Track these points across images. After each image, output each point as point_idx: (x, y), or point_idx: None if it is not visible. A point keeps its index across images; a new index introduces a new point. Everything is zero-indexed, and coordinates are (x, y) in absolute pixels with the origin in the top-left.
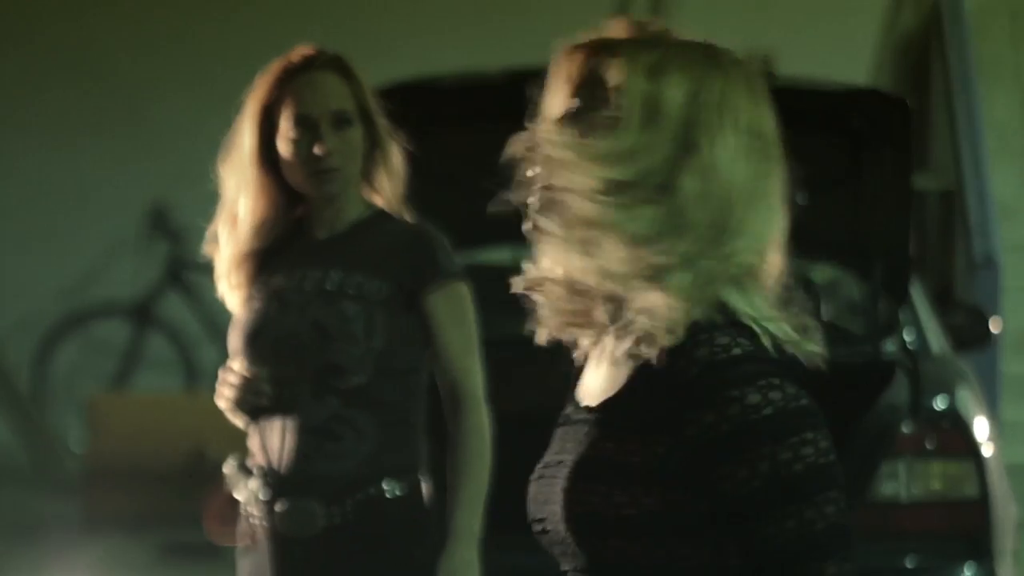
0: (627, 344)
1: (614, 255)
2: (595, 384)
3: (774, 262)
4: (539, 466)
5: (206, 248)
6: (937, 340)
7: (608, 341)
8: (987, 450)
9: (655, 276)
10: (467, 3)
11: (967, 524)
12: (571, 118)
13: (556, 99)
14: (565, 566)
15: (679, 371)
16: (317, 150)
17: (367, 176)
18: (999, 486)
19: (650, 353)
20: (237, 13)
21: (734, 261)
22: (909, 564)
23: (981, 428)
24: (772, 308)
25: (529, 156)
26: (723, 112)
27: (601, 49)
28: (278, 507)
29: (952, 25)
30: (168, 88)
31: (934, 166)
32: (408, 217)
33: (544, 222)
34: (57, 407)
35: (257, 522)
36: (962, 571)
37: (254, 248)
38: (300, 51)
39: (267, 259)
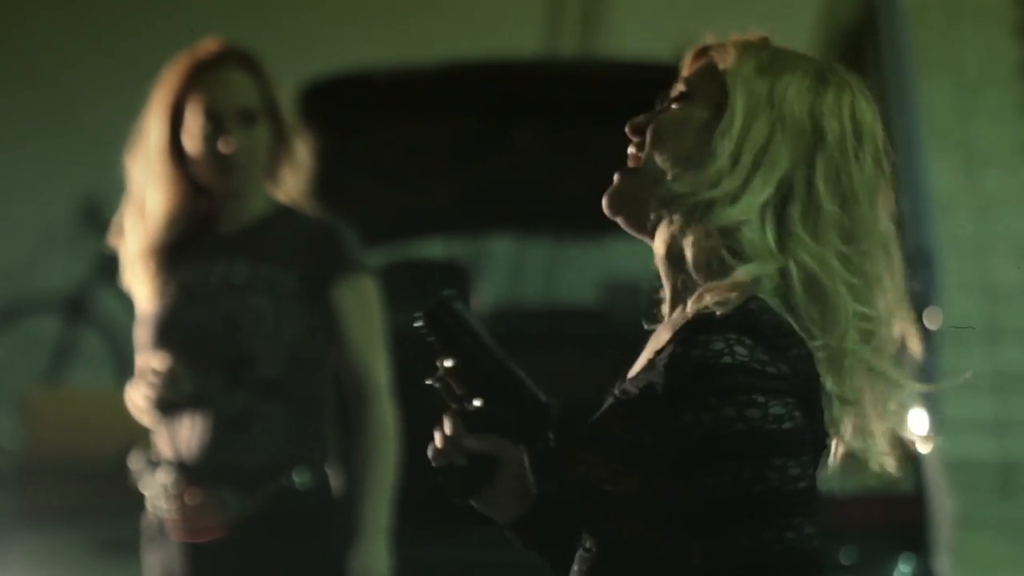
0: (673, 322)
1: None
2: (638, 363)
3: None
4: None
5: (112, 239)
6: None
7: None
8: (924, 444)
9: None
10: None
11: (903, 519)
12: (678, 99)
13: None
14: None
15: (675, 366)
16: (222, 146)
17: (273, 171)
18: (936, 481)
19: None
20: (171, 13)
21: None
22: (845, 560)
23: (918, 422)
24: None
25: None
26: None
27: (713, 47)
28: (188, 499)
29: (888, 17)
30: (101, 84)
31: None
32: (313, 211)
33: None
34: None
35: (166, 515)
36: (898, 565)
37: (161, 241)
38: (207, 46)
39: (173, 252)
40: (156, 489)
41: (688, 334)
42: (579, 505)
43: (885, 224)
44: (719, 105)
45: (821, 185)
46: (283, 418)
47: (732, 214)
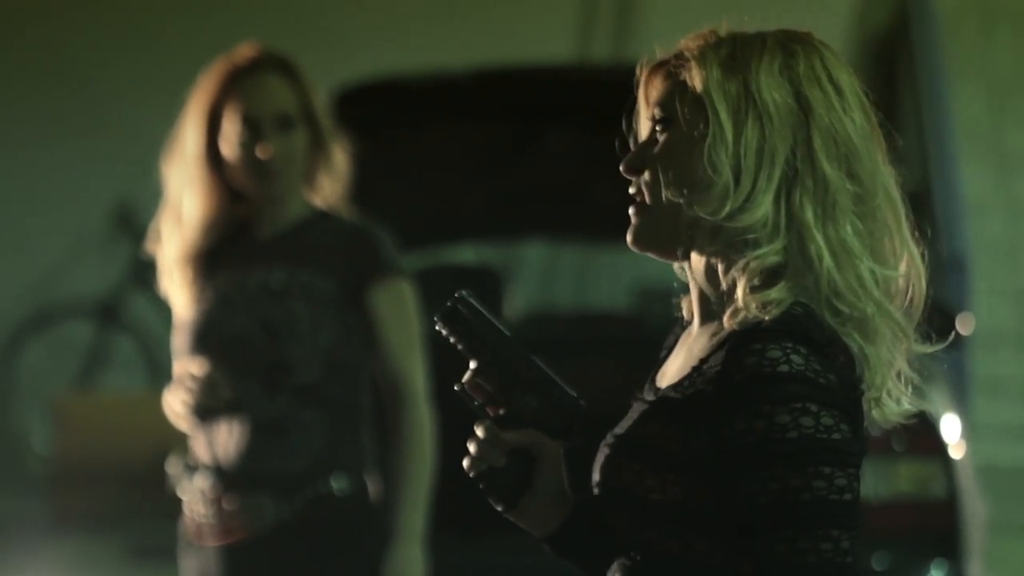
0: (712, 329)
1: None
2: (671, 369)
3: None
4: (608, 434)
5: (149, 245)
6: None
7: (694, 329)
8: (956, 450)
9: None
10: (433, 2)
11: (936, 524)
12: (661, 126)
13: (642, 121)
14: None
15: (728, 373)
16: (260, 153)
17: (310, 177)
18: (968, 486)
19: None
20: (206, 15)
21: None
22: (877, 565)
23: (950, 428)
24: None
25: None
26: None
27: (669, 61)
28: (226, 504)
29: (921, 23)
30: (135, 89)
31: (903, 165)
32: (350, 216)
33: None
34: (22, 407)
35: (204, 520)
36: (930, 571)
37: (199, 247)
38: (244, 51)
39: (211, 258)
40: (194, 494)
41: (741, 342)
42: (619, 514)
43: (884, 169)
44: (703, 120)
45: (823, 157)
46: (321, 424)
47: (748, 218)
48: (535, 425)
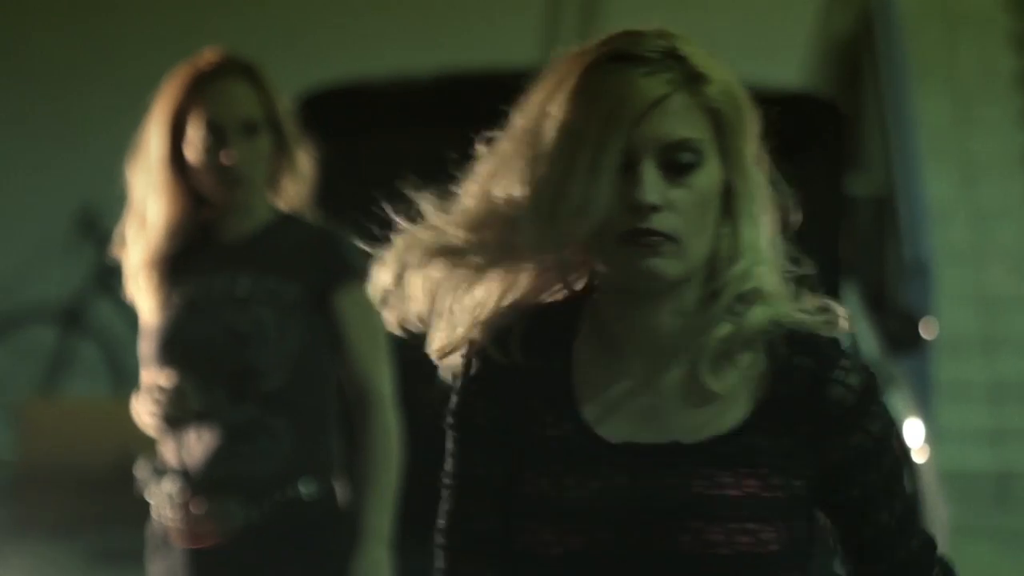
0: (720, 371)
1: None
2: (660, 416)
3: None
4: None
5: (114, 250)
6: (869, 344)
7: (671, 371)
8: (919, 454)
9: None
10: (398, 5)
11: None
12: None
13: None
14: None
15: (835, 402)
16: (225, 158)
17: (274, 182)
18: (932, 490)
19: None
20: (169, 19)
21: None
22: (839, 569)
23: (912, 432)
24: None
25: None
26: None
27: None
28: (194, 508)
29: (885, 27)
30: (98, 93)
31: (867, 169)
32: (315, 221)
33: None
34: None
35: (172, 524)
36: None
37: (163, 252)
38: (208, 56)
39: (175, 264)
40: (162, 498)
41: (861, 417)
42: None
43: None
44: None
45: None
46: (288, 429)
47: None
48: None
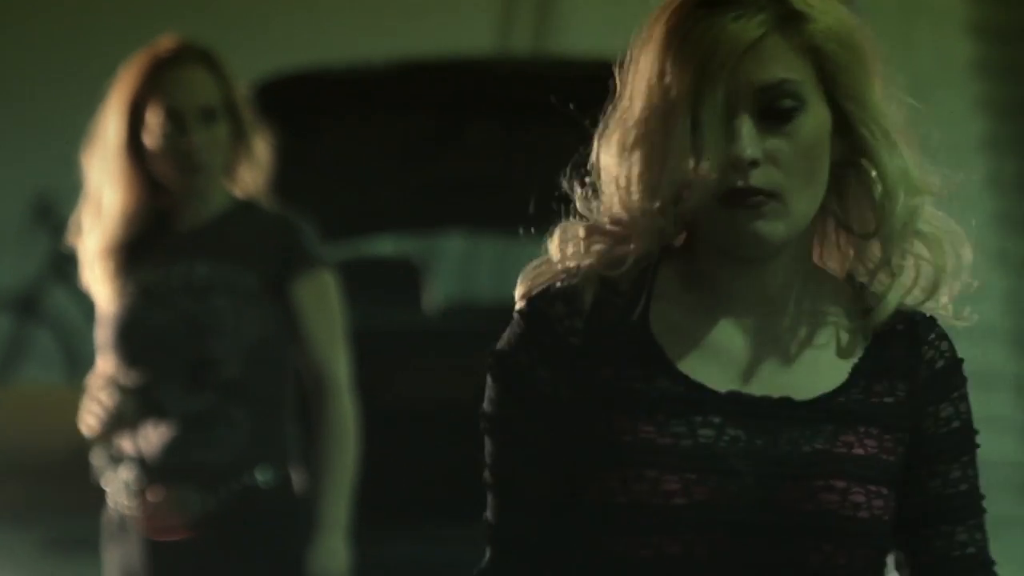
0: (841, 328)
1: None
2: (766, 371)
3: None
4: (741, 451)
5: (70, 238)
6: None
7: (776, 327)
8: None
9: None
10: None
11: None
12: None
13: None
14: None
15: (926, 362)
16: (184, 145)
17: (232, 169)
18: None
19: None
20: (125, 6)
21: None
22: None
23: None
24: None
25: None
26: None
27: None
28: (151, 496)
29: None
30: (54, 80)
31: None
32: (272, 208)
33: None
34: None
35: (128, 512)
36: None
37: (120, 240)
38: (166, 43)
39: (132, 251)
40: (118, 486)
41: (952, 388)
42: (814, 541)
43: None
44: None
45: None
46: (246, 417)
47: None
48: None
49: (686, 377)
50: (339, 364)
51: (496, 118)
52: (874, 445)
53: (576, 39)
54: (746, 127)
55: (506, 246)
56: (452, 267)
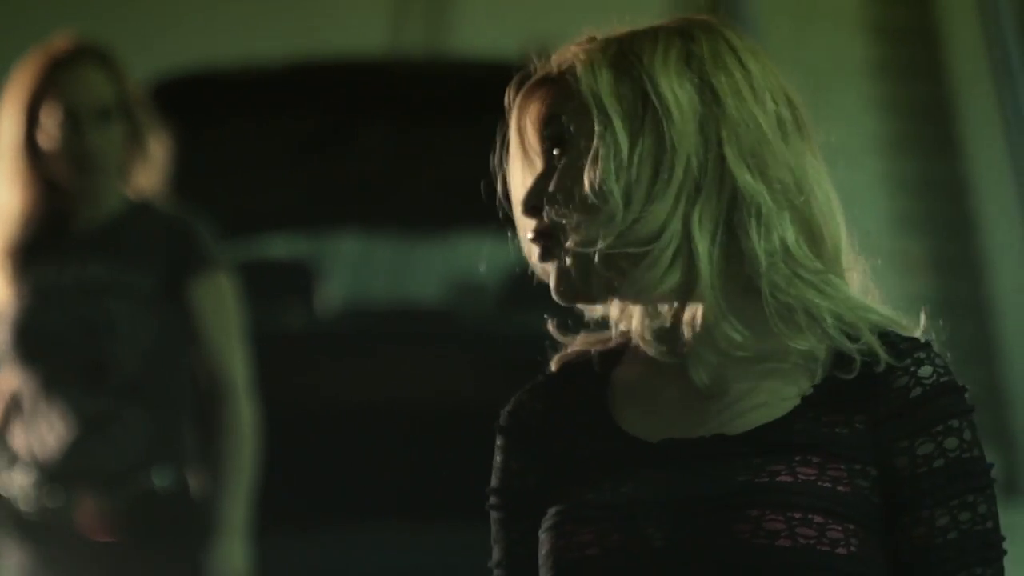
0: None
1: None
2: (702, 411)
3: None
4: (665, 502)
5: None
6: None
7: (723, 363)
8: None
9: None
10: None
11: None
12: (557, 153)
13: (518, 154)
14: None
15: (896, 390)
16: (80, 145)
17: (127, 169)
18: None
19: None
20: (19, 3)
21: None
22: None
23: None
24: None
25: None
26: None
27: (552, 74)
28: (48, 500)
29: (734, 15)
30: None
31: None
32: (167, 208)
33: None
34: None
35: (24, 515)
36: None
37: (15, 241)
38: (61, 43)
39: (28, 253)
40: (14, 489)
41: (932, 420)
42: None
43: (813, 163)
44: (595, 134)
45: (735, 158)
46: (142, 420)
47: (641, 232)
48: None
49: (624, 433)
50: (236, 366)
51: (390, 118)
52: (811, 473)
53: (469, 39)
54: None
55: (400, 247)
56: (347, 268)
